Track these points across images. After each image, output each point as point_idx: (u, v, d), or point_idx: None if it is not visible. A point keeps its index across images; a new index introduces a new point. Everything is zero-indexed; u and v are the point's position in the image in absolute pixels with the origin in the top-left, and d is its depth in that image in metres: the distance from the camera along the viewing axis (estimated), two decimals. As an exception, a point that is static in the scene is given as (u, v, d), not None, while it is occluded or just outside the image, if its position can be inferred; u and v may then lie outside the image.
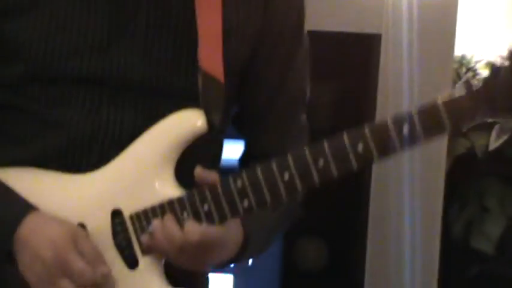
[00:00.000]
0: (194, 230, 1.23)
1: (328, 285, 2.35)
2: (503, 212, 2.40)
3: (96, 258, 1.27)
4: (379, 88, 2.12)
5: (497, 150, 2.31)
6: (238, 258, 1.33)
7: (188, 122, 1.31)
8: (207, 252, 1.25)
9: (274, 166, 1.23)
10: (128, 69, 1.33)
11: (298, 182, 1.21)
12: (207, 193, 1.25)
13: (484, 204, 2.43)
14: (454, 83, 2.33)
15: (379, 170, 2.10)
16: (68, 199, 1.32)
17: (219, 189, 1.24)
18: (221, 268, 1.34)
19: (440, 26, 2.12)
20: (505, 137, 2.29)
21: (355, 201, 1.63)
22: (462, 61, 2.54)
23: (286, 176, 1.22)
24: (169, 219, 1.25)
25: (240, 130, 1.43)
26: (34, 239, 1.27)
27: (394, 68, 2.10)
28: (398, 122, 1.17)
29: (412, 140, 1.18)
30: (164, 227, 1.25)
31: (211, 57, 1.34)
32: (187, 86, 1.32)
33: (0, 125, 1.36)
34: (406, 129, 1.17)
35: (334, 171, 1.20)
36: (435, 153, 2.07)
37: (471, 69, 2.53)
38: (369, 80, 2.15)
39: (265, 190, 1.23)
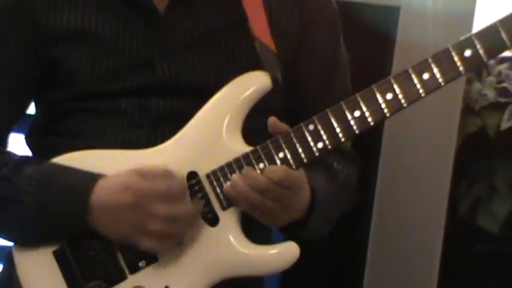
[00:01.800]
0: (276, 168, 1.27)
1: (332, 251, 2.33)
2: (511, 193, 2.37)
3: (167, 174, 1.28)
4: (394, 62, 2.11)
5: (509, 130, 2.29)
6: (308, 219, 1.36)
7: (255, 80, 1.35)
8: (288, 195, 1.28)
9: (344, 106, 1.28)
10: (173, 79, 1.38)
11: (369, 116, 1.28)
12: (281, 141, 1.29)
13: (492, 184, 2.38)
14: None
15: (390, 140, 2.09)
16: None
17: (292, 135, 1.28)
18: (290, 232, 1.37)
19: (460, 2, 2.09)
20: None
21: (364, 171, 1.67)
22: None
23: (358, 113, 1.28)
24: (248, 169, 1.29)
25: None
26: (108, 196, 1.29)
27: (411, 42, 2.08)
28: (459, 47, 1.24)
29: (477, 62, 1.25)
30: (245, 176, 1.28)
31: (262, 31, 1.39)
32: (233, 77, 1.36)
33: (61, 126, 1.42)
34: (468, 53, 1.24)
35: (403, 102, 1.28)
36: (447, 130, 2.08)
37: None
38: (385, 53, 2.14)
39: (338, 129, 1.29)
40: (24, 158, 1.42)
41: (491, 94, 2.28)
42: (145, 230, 1.28)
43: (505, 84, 2.28)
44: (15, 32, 1.42)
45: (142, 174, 1.28)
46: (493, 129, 2.30)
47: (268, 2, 1.42)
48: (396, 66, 2.07)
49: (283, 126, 1.29)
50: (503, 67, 2.28)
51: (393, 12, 2.10)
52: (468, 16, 2.11)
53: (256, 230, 1.33)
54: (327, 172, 1.44)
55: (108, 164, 1.33)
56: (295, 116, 1.36)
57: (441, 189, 2.18)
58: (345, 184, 1.48)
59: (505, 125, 2.28)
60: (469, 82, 2.23)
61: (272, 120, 1.29)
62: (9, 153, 1.42)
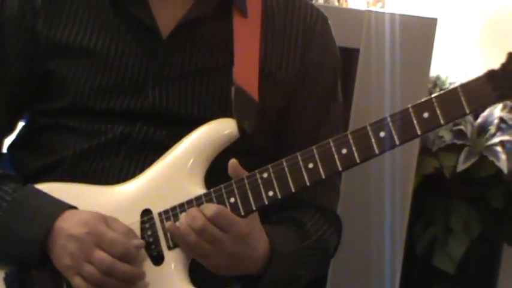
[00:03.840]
0: (211, 205, 1.27)
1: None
2: (466, 234, 2.41)
3: (128, 232, 1.30)
4: (353, 102, 2.11)
5: (465, 172, 2.32)
6: (262, 275, 1.35)
7: (222, 128, 1.37)
8: (227, 240, 1.26)
9: (299, 157, 1.28)
10: (163, 106, 1.39)
11: (322, 169, 1.28)
12: (234, 186, 1.29)
13: (448, 225, 2.42)
14: None
15: (348, 180, 2.06)
16: (101, 205, 1.36)
17: (246, 181, 1.29)
18: (244, 282, 1.37)
19: (418, 45, 2.11)
20: (473, 160, 2.32)
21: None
22: (437, 81, 2.54)
23: (311, 165, 1.28)
24: (191, 209, 1.28)
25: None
26: (67, 225, 1.31)
27: (369, 83, 2.09)
28: (418, 108, 1.24)
29: (433, 125, 1.25)
30: (187, 214, 1.28)
31: (246, 79, 1.40)
32: (221, 113, 1.38)
33: (40, 139, 1.45)
34: (426, 115, 1.24)
35: (357, 157, 1.27)
36: (404, 171, 2.06)
37: (444, 90, 2.50)
38: (345, 93, 2.12)
39: (290, 179, 1.28)
40: (5, 174, 1.44)
41: (447, 136, 2.32)
42: (81, 270, 1.29)
43: (461, 127, 2.32)
44: (15, 39, 1.44)
45: (106, 220, 1.30)
46: (449, 171, 2.33)
47: (267, 50, 1.44)
48: (356, 106, 2.09)
49: (242, 172, 1.29)
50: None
51: (353, 54, 2.10)
52: (426, 58, 2.12)
53: (212, 275, 1.32)
54: (297, 231, 1.43)
55: (72, 196, 1.36)
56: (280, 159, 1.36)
57: (399, 230, 2.16)
58: (316, 245, 1.46)
59: (460, 166, 2.31)
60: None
61: (233, 163, 1.29)
62: None
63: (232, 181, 1.29)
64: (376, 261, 2.14)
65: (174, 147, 1.38)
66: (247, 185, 1.29)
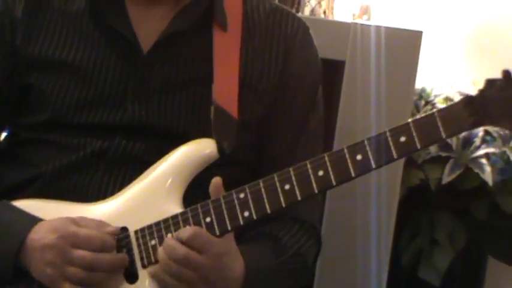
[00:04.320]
0: (186, 229, 1.27)
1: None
2: (451, 245, 2.41)
3: (99, 223, 1.31)
4: (339, 114, 2.11)
5: (450, 184, 2.33)
6: None
7: (201, 149, 1.37)
8: (204, 263, 1.26)
9: (276, 178, 1.28)
10: (142, 119, 1.40)
11: (298, 191, 1.27)
12: (210, 205, 1.29)
13: (433, 236, 2.43)
14: (413, 114, 2.34)
15: (332, 195, 2.07)
16: None
17: (222, 201, 1.28)
18: None
19: (404, 57, 2.11)
20: (458, 172, 2.33)
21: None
22: (422, 93, 2.56)
23: (287, 187, 1.28)
24: (171, 238, 1.28)
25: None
26: (38, 235, 1.31)
27: (355, 95, 2.09)
28: (395, 132, 1.25)
29: (410, 149, 1.25)
30: (165, 246, 1.28)
31: (225, 95, 1.41)
32: (201, 127, 1.39)
33: (20, 153, 1.45)
34: (403, 139, 1.24)
35: (333, 180, 1.27)
36: (390, 183, 2.06)
37: (430, 103, 2.54)
38: (331, 105, 2.12)
39: (265, 200, 1.28)
40: None
41: (433, 148, 2.34)
42: (66, 274, 1.28)
43: (446, 139, 2.34)
44: None
45: (75, 221, 1.30)
46: (435, 183, 2.34)
47: (247, 62, 1.44)
48: (341, 117, 2.09)
49: (222, 192, 1.29)
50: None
51: (338, 66, 2.09)
52: (411, 70, 2.12)
53: None
54: (273, 246, 1.43)
55: (49, 215, 1.35)
56: (259, 172, 1.38)
57: (385, 241, 2.15)
58: (293, 260, 1.46)
59: (446, 178, 2.32)
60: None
61: (216, 181, 1.29)
62: None
63: (209, 200, 1.29)
64: (362, 273, 2.14)
65: (153, 166, 1.38)
66: (223, 205, 1.29)
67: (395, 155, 1.24)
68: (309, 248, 1.48)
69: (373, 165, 1.26)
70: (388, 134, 1.25)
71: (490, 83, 1.23)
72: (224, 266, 1.28)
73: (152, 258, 1.33)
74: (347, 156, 1.26)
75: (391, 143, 1.24)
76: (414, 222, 2.43)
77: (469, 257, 2.54)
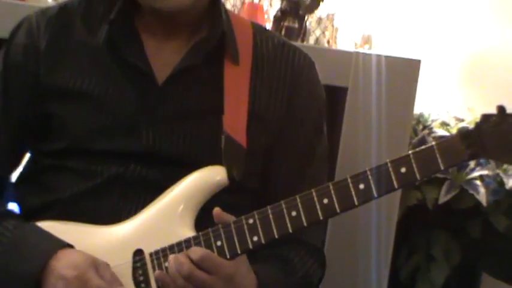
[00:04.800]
0: (197, 249, 1.27)
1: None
2: (447, 262, 2.41)
3: (114, 281, 1.30)
4: (341, 138, 2.12)
5: (446, 204, 2.33)
6: None
7: (212, 176, 1.37)
8: (214, 283, 1.26)
9: (283, 205, 1.27)
10: (156, 147, 1.39)
11: (304, 218, 1.27)
12: (221, 230, 1.28)
13: (430, 253, 2.43)
14: (411, 138, 2.35)
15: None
16: (95, 244, 1.36)
17: (232, 226, 1.28)
18: None
19: (403, 84, 2.14)
20: (453, 193, 2.33)
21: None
22: (420, 118, 2.57)
23: (294, 213, 1.27)
24: (180, 254, 1.28)
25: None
26: (60, 264, 1.30)
27: (357, 120, 2.11)
28: (396, 163, 1.24)
29: (410, 179, 1.25)
30: (174, 259, 1.27)
31: (235, 125, 1.39)
32: (213, 157, 1.37)
33: (40, 178, 1.44)
34: (403, 170, 1.24)
35: (337, 208, 1.26)
36: (389, 203, 2.07)
37: (427, 127, 2.53)
38: (334, 128, 2.14)
39: (273, 226, 1.27)
40: (7, 211, 1.44)
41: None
42: None
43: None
44: (19, 84, 1.45)
45: (96, 265, 1.31)
46: (432, 203, 2.35)
47: (256, 94, 1.44)
48: (344, 141, 2.10)
49: (227, 218, 1.29)
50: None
51: (341, 92, 2.11)
52: (410, 96, 2.14)
53: None
54: (284, 267, 1.43)
55: (71, 237, 1.36)
56: (267, 197, 1.37)
57: (384, 257, 2.16)
58: (301, 281, 1.46)
59: (442, 199, 2.33)
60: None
61: (216, 211, 1.29)
62: None
63: (220, 225, 1.29)
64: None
65: (167, 191, 1.38)
66: (233, 230, 1.29)
67: (396, 185, 1.24)
68: (315, 271, 1.49)
69: (375, 195, 1.25)
70: (389, 165, 1.24)
71: (485, 117, 1.23)
72: (236, 285, 1.29)
73: None
74: (350, 185, 1.26)
75: (392, 174, 1.24)
76: (412, 240, 2.42)
77: (463, 273, 2.52)
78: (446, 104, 2.73)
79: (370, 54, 2.14)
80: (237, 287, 1.28)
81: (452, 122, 2.57)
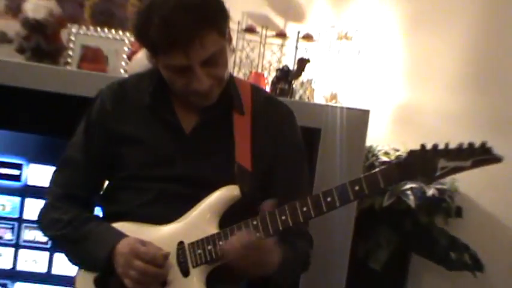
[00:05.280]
0: (245, 234, 1.50)
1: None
2: (388, 246, 2.74)
3: (155, 247, 1.57)
4: (317, 163, 2.43)
5: (388, 206, 2.67)
6: (274, 275, 1.55)
7: (229, 192, 1.62)
8: (258, 255, 1.47)
9: (276, 212, 1.50)
10: (187, 173, 1.63)
11: (290, 220, 1.52)
12: (247, 223, 1.52)
13: (378, 240, 2.75)
14: (364, 163, 2.66)
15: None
16: (152, 237, 1.61)
17: (267, 216, 1.52)
18: (260, 281, 1.56)
19: (358, 126, 2.44)
20: (393, 199, 2.68)
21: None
22: (370, 149, 2.85)
23: (283, 217, 1.51)
24: (242, 232, 1.50)
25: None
26: (120, 246, 1.60)
27: (327, 151, 2.42)
28: (352, 183, 1.45)
29: (361, 195, 1.44)
30: (238, 235, 1.50)
31: (243, 156, 1.61)
32: (226, 178, 1.60)
33: (115, 194, 1.71)
34: (357, 188, 1.45)
35: (312, 213, 1.49)
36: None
37: (375, 155, 2.82)
38: (312, 157, 2.40)
39: (269, 224, 1.52)
40: (93, 216, 1.72)
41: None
42: (127, 274, 1.55)
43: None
44: (97, 135, 1.73)
45: (142, 242, 1.57)
46: (379, 206, 2.69)
47: (256, 135, 1.66)
48: (318, 167, 2.41)
49: (268, 209, 1.48)
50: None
51: (316, 132, 2.41)
52: (363, 134, 2.43)
53: (225, 279, 1.58)
54: (291, 247, 1.64)
55: (135, 232, 1.62)
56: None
57: (345, 245, 2.46)
58: (301, 256, 1.70)
59: (385, 203, 2.68)
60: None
61: (270, 203, 1.51)
62: (81, 212, 1.71)
63: (235, 225, 1.51)
64: (332, 265, 2.43)
65: (198, 204, 1.59)
66: (267, 217, 1.49)
67: (352, 198, 1.45)
68: (308, 248, 1.76)
69: (338, 205, 1.47)
70: (347, 184, 1.45)
71: (411, 152, 1.40)
72: (271, 258, 1.52)
73: (199, 261, 1.55)
74: (321, 198, 1.47)
75: (349, 190, 1.44)
76: (365, 232, 2.68)
77: (399, 253, 2.81)
78: (387, 139, 2.98)
79: (336, 106, 2.46)
80: (271, 259, 1.52)
81: (391, 152, 2.84)
